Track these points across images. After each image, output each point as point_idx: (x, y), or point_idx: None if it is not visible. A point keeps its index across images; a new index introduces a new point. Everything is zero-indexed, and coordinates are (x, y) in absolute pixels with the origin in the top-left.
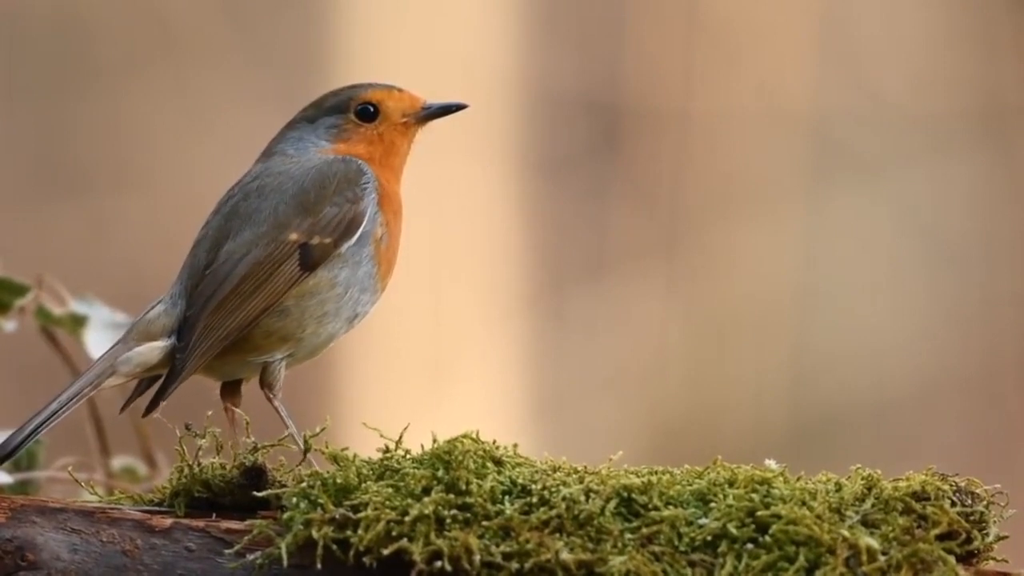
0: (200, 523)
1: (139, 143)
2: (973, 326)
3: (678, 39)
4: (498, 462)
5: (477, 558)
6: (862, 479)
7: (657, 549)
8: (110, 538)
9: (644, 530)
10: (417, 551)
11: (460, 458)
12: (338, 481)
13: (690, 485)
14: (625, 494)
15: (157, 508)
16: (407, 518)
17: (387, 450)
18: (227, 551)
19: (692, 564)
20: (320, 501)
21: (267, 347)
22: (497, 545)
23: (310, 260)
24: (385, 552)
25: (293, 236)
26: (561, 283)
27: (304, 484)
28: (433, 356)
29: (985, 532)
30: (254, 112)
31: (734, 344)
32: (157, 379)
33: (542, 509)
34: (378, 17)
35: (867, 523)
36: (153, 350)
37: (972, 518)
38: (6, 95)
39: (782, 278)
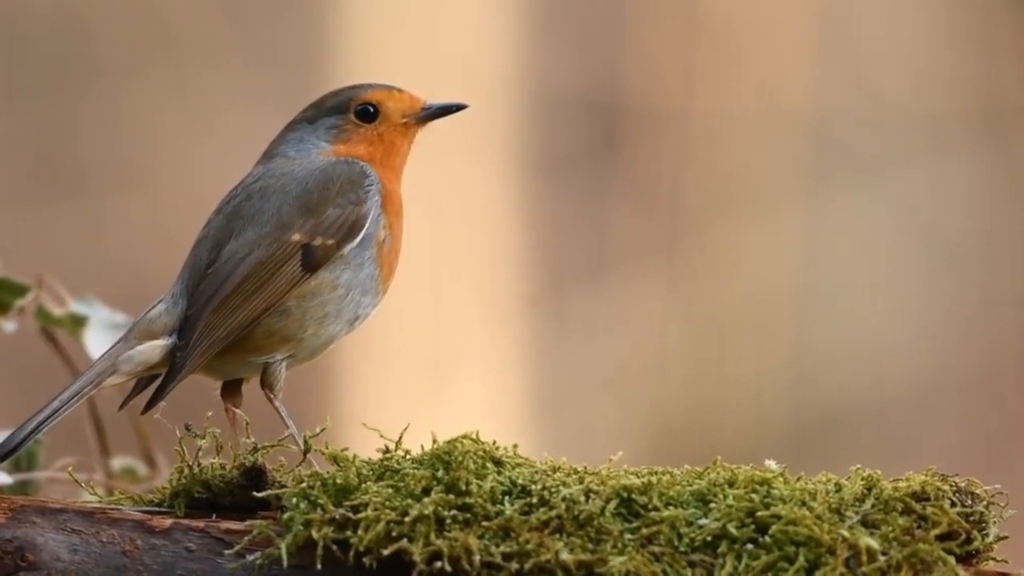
0: (200, 523)
1: (139, 143)
2: (973, 326)
3: (678, 39)
4: (498, 462)
5: (477, 558)
6: (862, 479)
7: (657, 549)
8: (110, 538)
9: (644, 530)
10: (417, 551)
11: (460, 458)
12: (338, 481)
13: (690, 485)
14: (625, 494)
15: (157, 508)
16: (407, 518)
17: (387, 450)
18: (227, 551)
19: (692, 564)
20: (320, 501)
21: (268, 347)
22: (497, 545)
23: (312, 261)
24: (385, 552)
25: (296, 237)
26: (561, 283)
27: (304, 484)
28: (433, 356)
29: (985, 532)
30: (254, 112)
31: (734, 344)
32: (156, 378)
33: (542, 509)
34: (378, 17)
35: (867, 523)
36: (154, 349)
37: (972, 518)
38: (6, 95)
39: (782, 278)
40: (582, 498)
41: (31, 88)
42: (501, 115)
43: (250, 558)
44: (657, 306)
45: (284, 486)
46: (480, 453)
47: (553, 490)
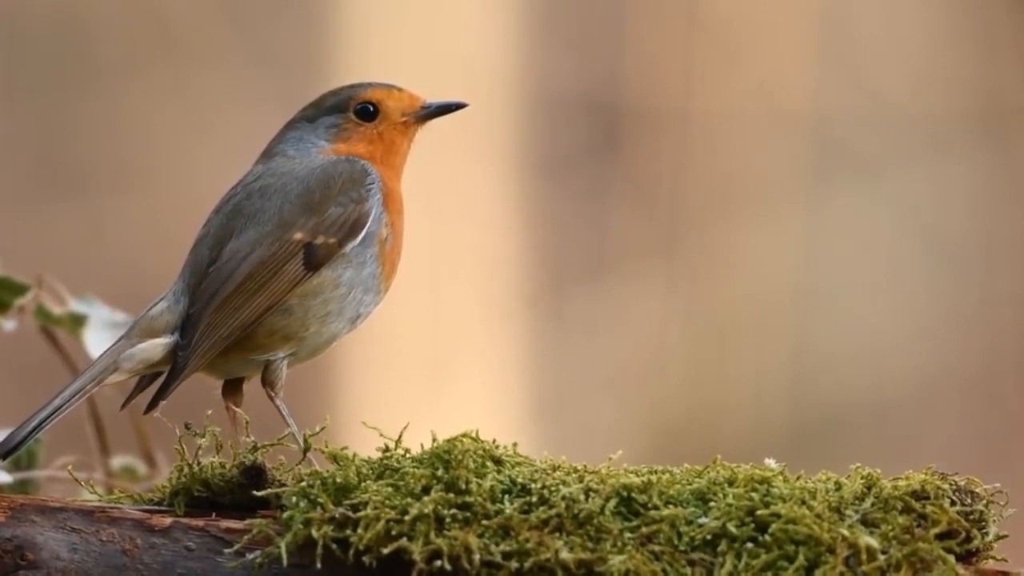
0: (200, 522)
1: (139, 143)
2: (973, 326)
3: (678, 39)
4: (498, 461)
5: (477, 557)
6: (862, 478)
7: (657, 548)
8: (110, 537)
9: (644, 529)
10: (417, 550)
11: (460, 457)
12: (338, 480)
13: (690, 484)
14: (625, 493)
15: (157, 507)
16: (407, 517)
17: (387, 449)
18: (227, 550)
19: (692, 563)
20: (320, 500)
21: (270, 346)
22: (497, 544)
23: (314, 260)
24: (385, 551)
25: (298, 235)
26: (561, 283)
27: (304, 483)
28: (433, 356)
29: (985, 531)
30: (254, 112)
31: (734, 344)
32: (158, 376)
33: (542, 508)
34: (378, 17)
35: (867, 522)
36: (156, 347)
37: (972, 517)
38: (6, 95)
39: (782, 278)
40: (582, 497)
41: (31, 88)
42: (501, 115)
43: (250, 557)
44: (657, 306)
45: (284, 485)
46: (480, 452)
47: (553, 489)
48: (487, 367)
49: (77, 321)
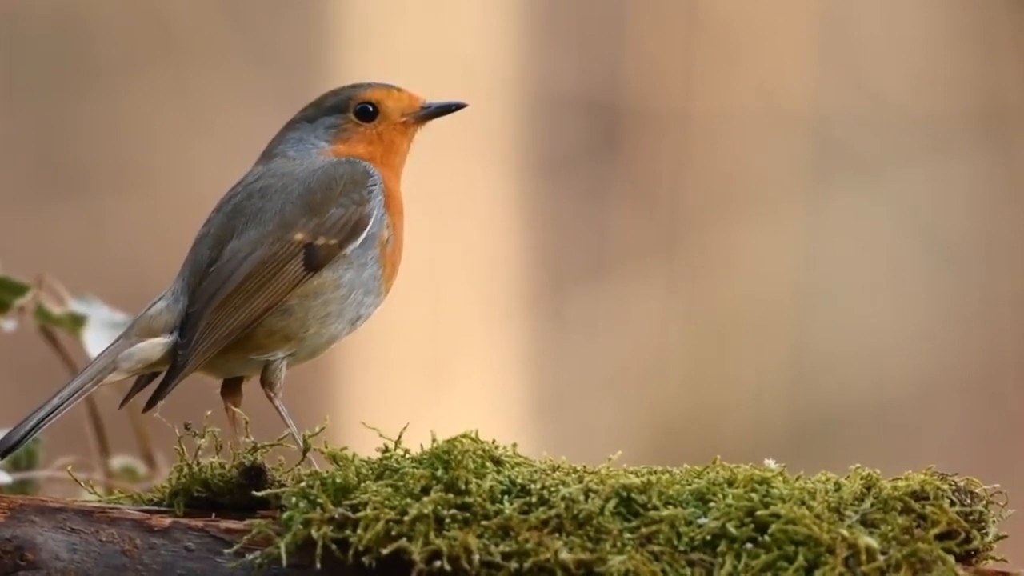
0: (199, 523)
1: (139, 143)
2: (973, 326)
3: (678, 39)
4: (497, 462)
5: (476, 558)
6: (861, 479)
7: (656, 549)
8: (109, 538)
9: (643, 530)
10: (416, 551)
11: (459, 458)
12: (337, 481)
13: (689, 485)
14: (624, 494)
15: (156, 508)
16: (406, 518)
17: (386, 450)
18: (226, 551)
19: (691, 564)
20: (319, 501)
21: (270, 346)
22: (496, 545)
23: (315, 261)
24: (384, 552)
25: (299, 236)
26: (561, 283)
27: (303, 484)
28: (433, 356)
29: (984, 531)
30: (254, 112)
31: (734, 344)
32: (156, 375)
33: (541, 509)
34: (378, 17)
35: (866, 523)
36: (155, 346)
37: (971, 518)
38: (6, 95)
39: (782, 278)
40: (581, 497)
41: (31, 88)
42: (501, 115)
43: (249, 557)
44: (657, 306)
45: (283, 485)
46: (479, 452)
47: (552, 489)
48: (487, 367)
49: (77, 321)
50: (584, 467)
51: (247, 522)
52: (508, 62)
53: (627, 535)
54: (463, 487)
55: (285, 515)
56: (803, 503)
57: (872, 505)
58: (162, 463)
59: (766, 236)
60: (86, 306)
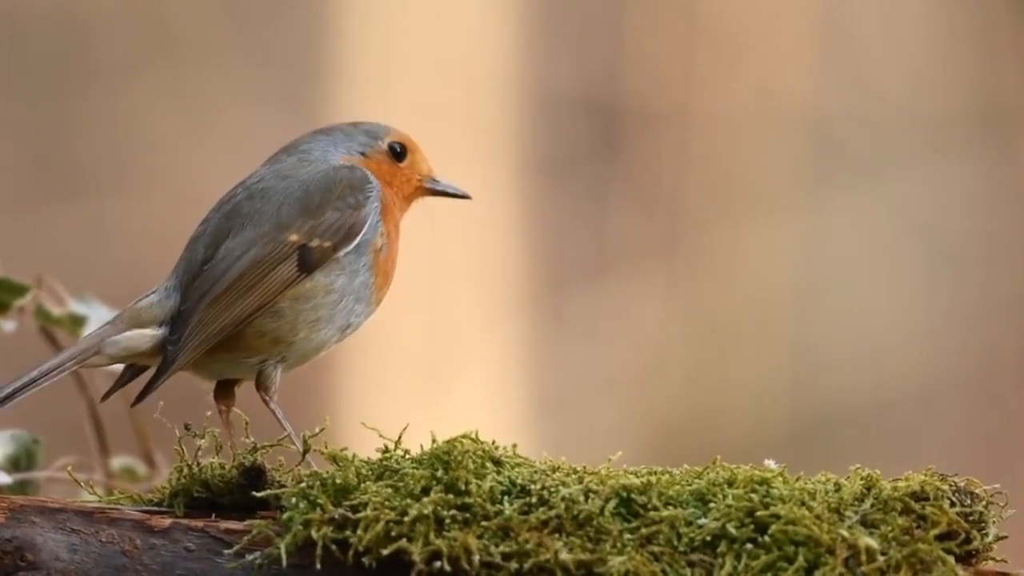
0: (199, 523)
1: (139, 143)
2: (973, 326)
3: (678, 39)
4: (497, 462)
5: (476, 558)
6: (861, 479)
7: (656, 549)
8: (109, 538)
9: (643, 530)
10: (416, 551)
11: (459, 458)
12: (337, 481)
13: (689, 485)
14: (624, 494)
15: (156, 508)
16: (406, 518)
17: (386, 450)
18: (226, 551)
19: (691, 564)
20: (319, 501)
21: (259, 348)
22: (496, 545)
23: (308, 263)
24: (384, 552)
25: (293, 237)
26: (561, 283)
27: (303, 484)
28: (432, 356)
29: (984, 532)
30: (254, 112)
31: (734, 344)
32: (142, 370)
33: (541, 509)
34: (378, 17)
35: (866, 523)
36: (143, 337)
37: (971, 518)
38: (6, 95)
39: (782, 278)
40: (581, 498)
41: (31, 88)
42: (501, 115)
43: (249, 558)
44: (657, 306)
45: (283, 486)
46: (479, 453)
47: (552, 490)
48: (487, 367)
49: (77, 322)
50: (584, 468)
51: (247, 523)
52: (508, 62)
53: (627, 536)
54: (463, 488)
55: (285, 516)
56: (803, 504)
57: (872, 506)
58: (162, 464)
59: (766, 236)
60: (86, 306)
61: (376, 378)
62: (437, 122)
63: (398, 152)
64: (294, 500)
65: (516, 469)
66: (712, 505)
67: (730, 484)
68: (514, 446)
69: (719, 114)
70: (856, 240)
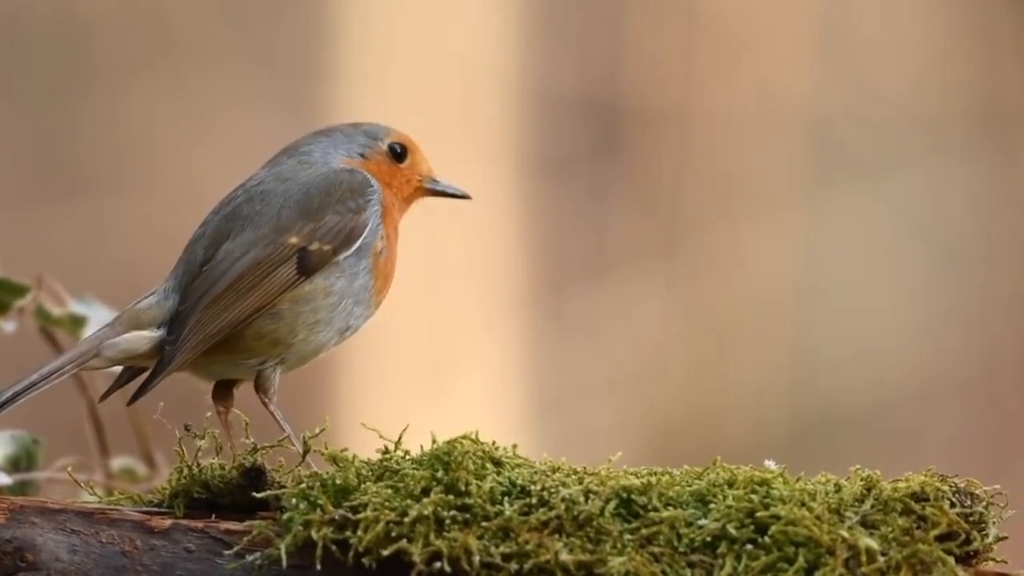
0: (199, 524)
1: (139, 143)
2: (973, 326)
3: (678, 39)
4: (497, 463)
5: (476, 559)
6: (861, 480)
7: (656, 550)
8: (109, 539)
9: (643, 531)
10: (416, 552)
11: (459, 459)
12: (337, 482)
13: (689, 486)
14: (624, 495)
15: (156, 509)
16: (406, 519)
17: (386, 451)
18: (226, 552)
19: (691, 565)
20: (319, 502)
21: (257, 350)
22: (496, 546)
23: (308, 266)
24: (384, 553)
25: (293, 240)
26: (561, 283)
27: (303, 485)
28: (432, 356)
29: (984, 533)
30: (254, 112)
31: (734, 344)
32: (142, 371)
33: (541, 510)
34: (378, 17)
35: (866, 524)
36: (141, 339)
37: (971, 519)
38: (6, 95)
39: (782, 278)
40: (581, 498)
41: (31, 88)
42: (501, 115)
43: (249, 558)
44: (657, 306)
45: (283, 486)
46: (479, 453)
47: (553, 490)
48: (487, 367)
49: (77, 322)
50: (584, 468)
51: (247, 523)
52: (508, 62)
53: (627, 536)
54: (463, 488)
55: (285, 516)
56: (803, 504)
57: (872, 506)
58: (162, 464)
59: (766, 236)
60: (86, 307)
61: (376, 378)
62: (437, 122)
63: (398, 153)
64: (294, 501)
65: (516, 470)
66: (712, 506)
67: (730, 485)
68: (514, 447)
69: (719, 114)
70: (856, 240)
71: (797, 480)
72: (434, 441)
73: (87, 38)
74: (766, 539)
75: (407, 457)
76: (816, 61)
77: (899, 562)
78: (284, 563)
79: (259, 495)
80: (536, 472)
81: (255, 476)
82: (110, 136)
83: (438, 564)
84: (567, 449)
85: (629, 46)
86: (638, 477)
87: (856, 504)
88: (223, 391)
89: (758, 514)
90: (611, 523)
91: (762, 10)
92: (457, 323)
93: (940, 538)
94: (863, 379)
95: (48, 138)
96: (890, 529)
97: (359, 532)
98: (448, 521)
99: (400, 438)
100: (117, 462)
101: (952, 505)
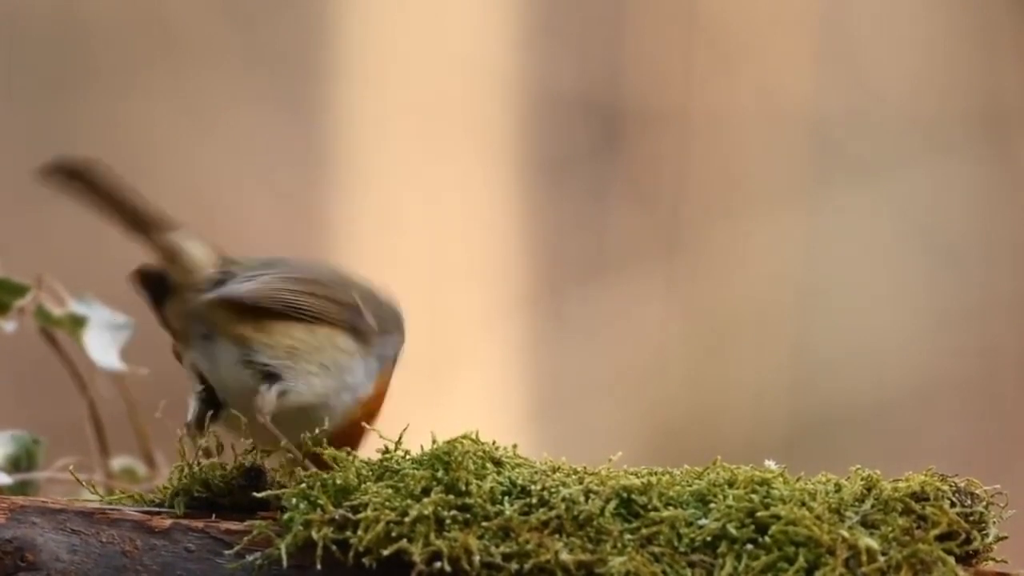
0: (200, 524)
1: (139, 143)
2: (973, 326)
3: (678, 39)
4: (498, 463)
5: (477, 559)
6: (861, 480)
7: (657, 550)
8: (110, 539)
9: (644, 531)
10: (417, 552)
11: (460, 459)
12: (338, 482)
13: (690, 486)
14: (625, 495)
15: (157, 509)
16: (407, 519)
17: (386, 451)
18: (227, 552)
19: (692, 565)
20: (320, 502)
21: (276, 345)
22: (497, 546)
23: (352, 323)
24: (385, 553)
25: (356, 299)
26: (561, 283)
27: (304, 485)
28: (433, 356)
29: (985, 532)
30: (254, 112)
31: (734, 344)
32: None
33: (542, 510)
34: (378, 17)
35: (866, 524)
36: (202, 250)
37: (971, 518)
38: (6, 95)
39: (782, 278)
40: (582, 498)
41: (31, 88)
42: (501, 115)
43: (250, 558)
44: (657, 306)
45: (284, 486)
46: (480, 453)
47: (553, 490)
48: (487, 367)
49: (77, 322)
50: (584, 468)
51: (247, 523)
52: (508, 62)
53: (627, 536)
54: (463, 488)
55: (285, 516)
56: (803, 504)
57: (872, 506)
58: (162, 464)
59: (766, 236)
60: (86, 307)
61: None
62: (437, 122)
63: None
64: (294, 501)
65: (516, 470)
66: (712, 506)
67: (730, 485)
68: (514, 446)
69: (719, 114)
70: (856, 240)
71: (797, 480)
72: (434, 441)
73: (87, 38)
74: (766, 539)
75: (407, 457)
76: (816, 61)
77: (899, 562)
78: (284, 563)
79: (259, 495)
80: (536, 472)
81: (255, 476)
82: (110, 136)
83: (438, 564)
84: (567, 449)
85: (629, 46)
86: (638, 477)
87: (856, 504)
88: (199, 422)
89: (758, 514)
90: (611, 523)
91: (762, 10)
92: (457, 323)
93: (940, 538)
94: (863, 379)
95: (48, 138)
96: (890, 529)
97: (359, 532)
98: (448, 521)
99: (400, 438)
100: (117, 462)
101: (952, 505)
